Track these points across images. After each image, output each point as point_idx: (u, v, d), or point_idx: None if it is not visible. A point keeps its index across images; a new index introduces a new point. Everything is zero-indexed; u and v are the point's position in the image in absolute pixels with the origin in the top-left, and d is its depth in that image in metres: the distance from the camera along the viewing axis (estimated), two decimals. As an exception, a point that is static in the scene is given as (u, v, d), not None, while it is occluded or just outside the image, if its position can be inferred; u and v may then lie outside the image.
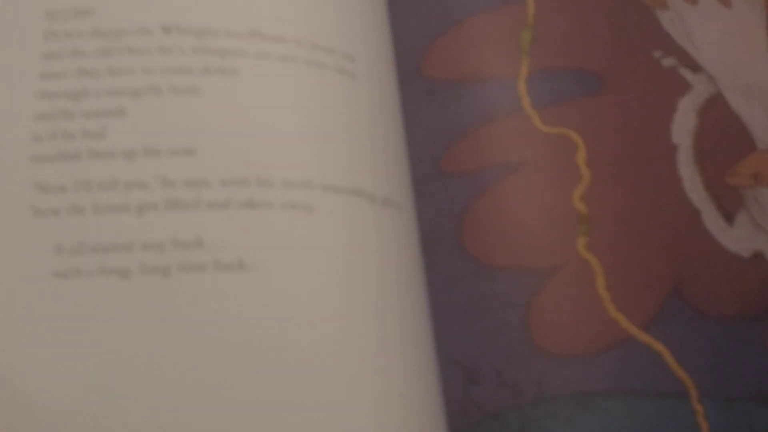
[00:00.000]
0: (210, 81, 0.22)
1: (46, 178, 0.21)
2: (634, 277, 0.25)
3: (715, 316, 0.25)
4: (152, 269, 0.20)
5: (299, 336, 0.20)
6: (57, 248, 0.20)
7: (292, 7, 0.24)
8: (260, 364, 0.20)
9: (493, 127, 0.27)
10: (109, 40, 0.22)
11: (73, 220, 0.21)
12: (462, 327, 0.24)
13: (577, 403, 0.23)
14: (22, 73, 0.22)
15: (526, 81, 0.28)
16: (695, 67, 0.29)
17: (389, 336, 0.21)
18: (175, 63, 0.22)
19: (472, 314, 0.24)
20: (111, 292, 0.20)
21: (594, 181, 0.26)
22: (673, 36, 0.29)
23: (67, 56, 0.22)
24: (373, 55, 0.25)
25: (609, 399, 0.23)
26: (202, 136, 0.21)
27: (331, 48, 0.23)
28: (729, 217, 0.26)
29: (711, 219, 0.26)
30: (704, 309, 0.25)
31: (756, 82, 0.28)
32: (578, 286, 0.25)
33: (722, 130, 0.28)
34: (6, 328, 0.20)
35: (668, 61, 0.29)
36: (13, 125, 0.22)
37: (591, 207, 0.26)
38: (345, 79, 0.23)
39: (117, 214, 0.21)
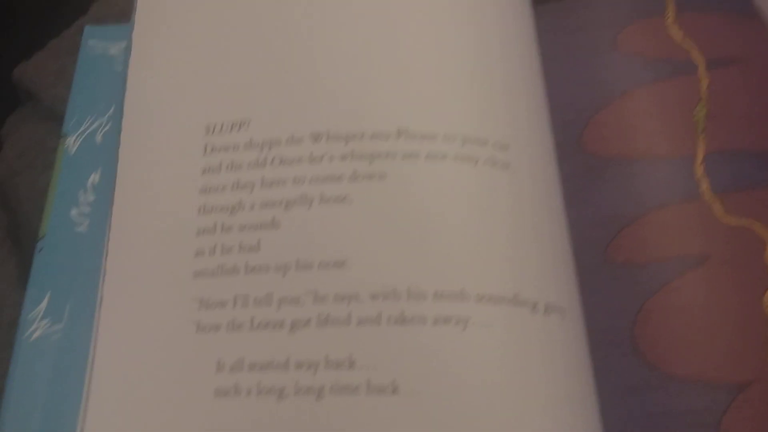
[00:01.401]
0: (358, 188, 0.21)
1: (208, 293, 0.21)
2: None
3: None
4: (306, 390, 0.19)
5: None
6: (218, 365, 0.20)
7: (440, 100, 0.22)
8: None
9: (668, 214, 0.23)
10: (262, 151, 0.22)
11: (232, 336, 0.21)
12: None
13: None
14: (185, 189, 0.23)
15: (703, 162, 0.24)
16: None
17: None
18: (324, 171, 0.22)
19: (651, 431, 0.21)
20: (267, 413, 0.19)
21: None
22: None
23: (224, 170, 0.22)
24: (529, 139, 0.23)
25: None
26: (350, 248, 0.20)
27: (483, 139, 0.22)
28: None
29: None
30: None
31: None
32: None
33: None
34: None
35: None
36: (180, 241, 0.22)
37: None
38: (499, 172, 0.21)
39: (272, 331, 0.20)
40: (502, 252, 0.20)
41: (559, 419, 0.19)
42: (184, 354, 0.21)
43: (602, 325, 0.22)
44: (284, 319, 0.20)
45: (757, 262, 0.22)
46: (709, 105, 0.24)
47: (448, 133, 0.22)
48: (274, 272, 0.21)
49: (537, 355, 0.20)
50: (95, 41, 0.28)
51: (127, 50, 0.26)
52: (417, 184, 0.21)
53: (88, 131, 0.26)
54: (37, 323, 0.23)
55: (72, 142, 0.26)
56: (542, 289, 0.20)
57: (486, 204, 0.21)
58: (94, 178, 0.25)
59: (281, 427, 0.19)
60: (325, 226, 0.21)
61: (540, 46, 0.25)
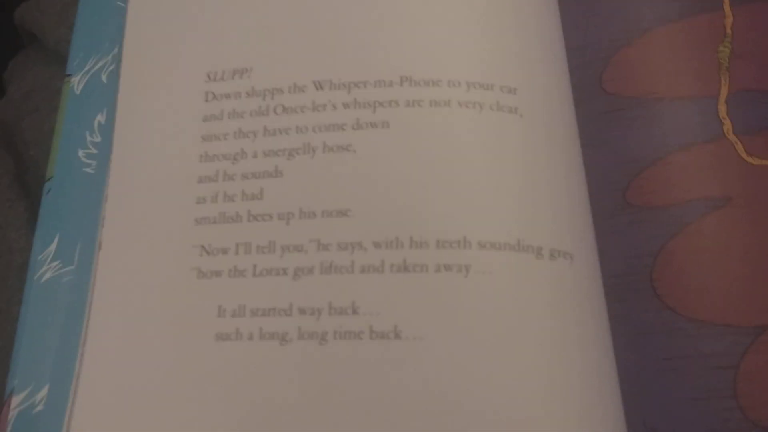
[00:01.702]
0: (361, 136, 0.21)
1: (210, 240, 0.21)
2: None
3: None
4: (309, 335, 0.20)
5: (458, 415, 0.19)
6: (219, 310, 0.21)
7: (444, 45, 0.22)
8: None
9: (689, 155, 0.23)
10: (264, 100, 0.22)
11: (234, 282, 0.21)
12: (657, 389, 0.21)
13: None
14: (186, 137, 0.23)
15: (726, 102, 0.24)
16: None
17: (570, 403, 0.19)
18: (327, 119, 0.21)
19: (669, 375, 0.21)
20: (270, 356, 0.20)
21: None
22: None
23: (226, 118, 0.22)
24: (540, 82, 0.23)
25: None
26: (353, 197, 0.21)
27: (489, 83, 0.22)
28: None
29: None
30: None
31: None
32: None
33: None
34: (168, 387, 0.20)
35: None
36: (181, 188, 0.22)
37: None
38: (505, 117, 0.21)
39: (275, 278, 0.21)
40: (506, 198, 0.21)
41: (568, 363, 0.19)
42: (184, 300, 0.21)
43: (621, 268, 0.22)
44: (287, 266, 0.21)
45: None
46: (734, 43, 0.24)
47: (452, 79, 0.21)
48: (277, 220, 0.21)
49: (542, 300, 0.20)
50: (97, -21, 0.28)
51: (128, -9, 0.26)
52: (420, 131, 0.21)
53: (92, 70, 0.26)
54: (48, 265, 0.23)
55: (77, 82, 0.26)
56: (548, 234, 0.20)
57: (490, 150, 0.21)
58: (100, 118, 0.25)
59: (284, 370, 0.20)
60: (328, 175, 0.21)
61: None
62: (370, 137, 0.21)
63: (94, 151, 0.25)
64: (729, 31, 0.24)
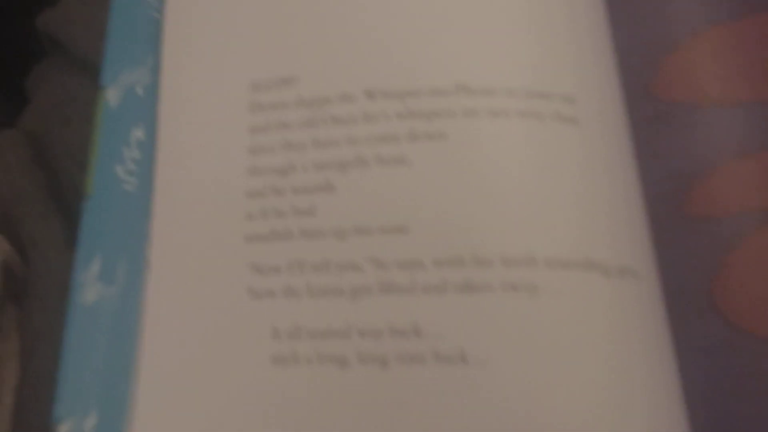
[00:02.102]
0: (417, 148, 0.20)
1: (261, 258, 0.21)
2: None
3: None
4: (370, 359, 0.19)
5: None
6: (274, 332, 0.20)
7: (500, 52, 0.21)
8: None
9: (745, 163, 0.22)
10: (313, 110, 0.21)
11: (288, 302, 0.20)
12: (723, 408, 0.20)
13: None
14: (233, 150, 0.22)
15: (784, 108, 0.23)
16: None
17: (639, 426, 0.19)
18: (380, 130, 0.21)
19: (734, 395, 0.20)
20: (329, 381, 0.19)
21: None
22: None
23: (273, 129, 0.22)
24: (597, 90, 0.22)
25: None
26: (411, 212, 0.20)
27: (548, 92, 0.21)
28: None
29: None
30: None
31: None
32: None
33: None
34: (226, 412, 0.20)
35: None
36: (229, 203, 0.21)
37: None
38: (566, 127, 0.20)
39: (331, 298, 0.20)
40: (571, 213, 0.20)
41: (637, 384, 0.19)
42: (237, 320, 0.20)
43: (678, 283, 0.21)
44: (344, 285, 0.20)
45: None
46: (789, 45, 0.23)
47: (510, 88, 0.20)
48: (331, 237, 0.20)
49: (611, 320, 0.19)
50: (128, -13, 0.27)
51: (162, -3, 0.25)
52: (479, 142, 0.20)
53: (127, 83, 0.25)
54: (90, 287, 0.23)
55: (111, 95, 0.25)
56: (615, 251, 0.19)
57: (553, 162, 0.20)
58: (138, 133, 0.24)
59: (345, 395, 0.19)
60: (383, 189, 0.20)
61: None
62: (426, 149, 0.20)
63: (133, 167, 0.24)
64: None
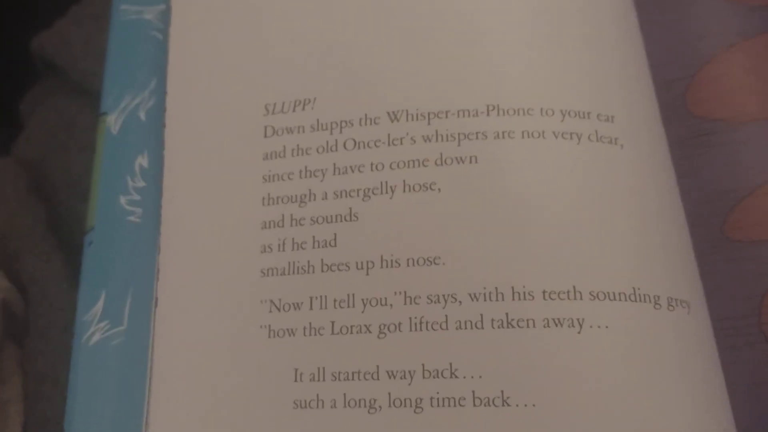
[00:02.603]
0: (446, 173, 0.19)
1: (279, 294, 0.19)
2: None
3: None
4: (402, 401, 0.18)
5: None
6: (296, 374, 0.19)
7: (532, 70, 0.20)
8: None
9: None
10: (332, 134, 0.20)
11: (310, 342, 0.19)
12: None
13: None
14: (245, 177, 0.21)
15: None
16: None
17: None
18: (406, 155, 0.19)
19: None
20: (357, 426, 0.18)
21: None
22: None
23: (289, 155, 0.20)
24: (635, 108, 0.20)
25: None
26: (442, 241, 0.18)
27: (585, 111, 0.19)
28: None
29: None
30: None
31: None
32: None
33: None
34: None
35: None
36: (242, 235, 0.20)
37: None
38: (606, 148, 0.19)
39: (357, 336, 0.18)
40: (616, 241, 0.18)
41: (693, 421, 0.17)
42: (255, 362, 0.19)
43: (725, 311, 0.20)
44: (371, 322, 0.18)
45: None
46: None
47: (545, 107, 0.19)
48: (355, 270, 0.19)
49: (664, 355, 0.18)
50: (128, 5, 0.25)
51: (167, 15, 0.23)
52: (514, 166, 0.19)
53: (129, 108, 0.24)
54: (95, 326, 0.21)
55: (113, 121, 0.24)
56: (664, 281, 0.18)
57: (594, 186, 0.19)
58: (142, 161, 0.23)
59: (377, 442, 0.18)
60: (411, 218, 0.19)
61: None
62: (457, 174, 0.19)
63: (138, 197, 0.22)
64: None
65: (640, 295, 0.18)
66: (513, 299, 0.18)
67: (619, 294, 0.18)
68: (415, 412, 0.17)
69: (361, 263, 0.19)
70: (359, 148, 0.20)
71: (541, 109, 0.19)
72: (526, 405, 0.17)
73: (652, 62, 0.22)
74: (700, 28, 0.23)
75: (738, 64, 0.22)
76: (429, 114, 0.19)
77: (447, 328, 0.18)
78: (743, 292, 0.20)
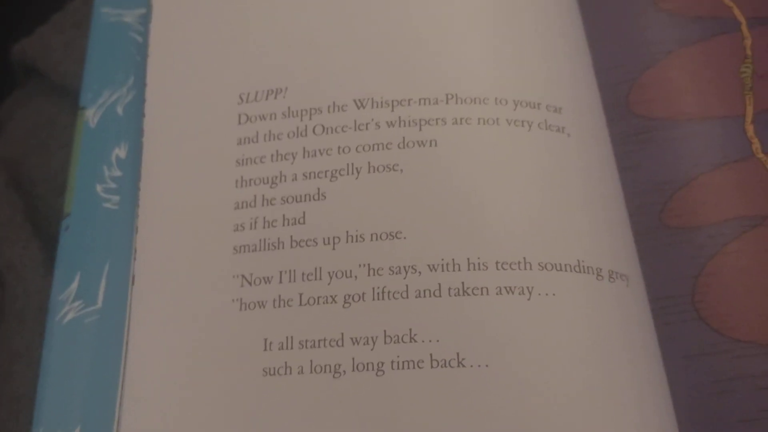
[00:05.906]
0: (408, 155, 0.20)
1: (251, 269, 0.20)
2: None
3: None
4: (364, 366, 0.19)
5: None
6: (265, 343, 0.20)
7: (489, 62, 0.21)
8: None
9: (721, 175, 0.23)
10: (302, 120, 0.21)
11: (279, 313, 0.20)
12: (707, 412, 0.20)
13: None
14: (220, 162, 0.22)
15: (753, 122, 0.23)
16: None
17: (632, 428, 0.18)
18: (371, 139, 0.21)
19: (718, 397, 0.20)
20: (323, 390, 0.19)
21: None
22: None
23: (262, 140, 0.22)
24: (581, 101, 0.22)
25: None
26: (403, 218, 0.20)
27: (536, 102, 0.21)
28: None
29: None
30: None
31: None
32: None
33: None
34: (213, 426, 0.19)
35: None
36: (216, 215, 0.21)
37: None
38: (554, 136, 0.21)
39: (324, 306, 0.19)
40: (563, 218, 0.20)
41: (631, 387, 0.19)
42: (227, 333, 0.20)
43: (663, 290, 0.21)
44: (336, 293, 0.20)
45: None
46: (755, 64, 0.24)
47: (500, 97, 0.21)
48: (322, 245, 0.20)
49: (605, 322, 0.19)
50: (108, 9, 0.27)
51: (146, 17, 0.25)
52: (470, 150, 0.20)
53: (107, 103, 0.25)
54: (69, 305, 0.22)
55: (92, 115, 0.25)
56: (605, 255, 0.20)
57: (543, 168, 0.20)
58: (119, 152, 0.24)
59: (340, 404, 0.19)
60: (375, 197, 0.20)
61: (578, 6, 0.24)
62: (418, 156, 0.20)
63: (114, 185, 0.23)
64: (749, 52, 0.24)
65: (584, 266, 0.19)
66: (468, 269, 0.19)
67: (565, 265, 0.19)
68: (377, 375, 0.19)
69: (328, 239, 0.20)
70: (327, 133, 0.21)
71: (496, 99, 0.21)
72: (479, 366, 0.18)
73: (599, 66, 0.24)
74: (643, 36, 0.25)
75: (677, 69, 0.24)
76: (393, 101, 0.21)
77: (407, 297, 0.19)
78: (679, 273, 0.22)
